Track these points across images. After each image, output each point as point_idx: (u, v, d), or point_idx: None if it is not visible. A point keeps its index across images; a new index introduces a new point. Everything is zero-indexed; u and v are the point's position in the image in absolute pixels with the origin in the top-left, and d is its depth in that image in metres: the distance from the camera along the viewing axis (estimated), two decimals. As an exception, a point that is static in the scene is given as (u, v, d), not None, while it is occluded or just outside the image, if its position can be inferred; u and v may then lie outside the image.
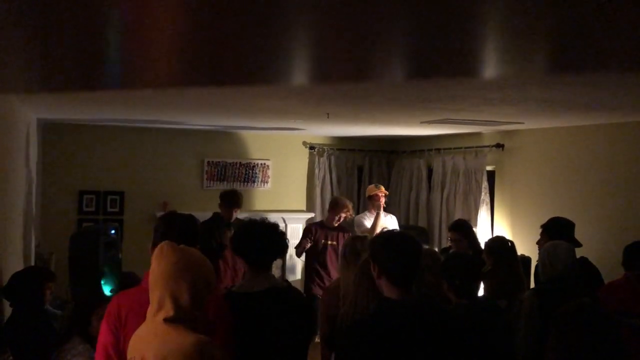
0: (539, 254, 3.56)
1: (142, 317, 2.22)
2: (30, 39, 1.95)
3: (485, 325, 2.92)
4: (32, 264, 5.14)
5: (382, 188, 6.11)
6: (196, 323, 2.03)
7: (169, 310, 2.00)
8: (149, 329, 2.05)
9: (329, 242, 5.57)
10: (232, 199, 5.39)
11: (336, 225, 5.62)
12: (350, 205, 5.69)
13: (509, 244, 4.06)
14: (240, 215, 6.60)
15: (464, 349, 2.24)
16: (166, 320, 1.99)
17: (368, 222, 5.97)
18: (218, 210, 5.56)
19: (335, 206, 5.66)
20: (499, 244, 4.02)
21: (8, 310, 3.67)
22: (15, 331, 3.47)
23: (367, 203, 6.25)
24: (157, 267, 2.05)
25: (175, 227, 2.41)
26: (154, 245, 2.37)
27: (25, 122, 5.16)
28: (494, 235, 4.78)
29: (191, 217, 2.56)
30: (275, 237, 2.66)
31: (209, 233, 5.13)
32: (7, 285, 3.57)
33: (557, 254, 3.41)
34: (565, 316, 2.36)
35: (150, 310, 2.05)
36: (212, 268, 2.15)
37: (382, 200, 5.98)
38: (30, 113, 5.39)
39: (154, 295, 2.05)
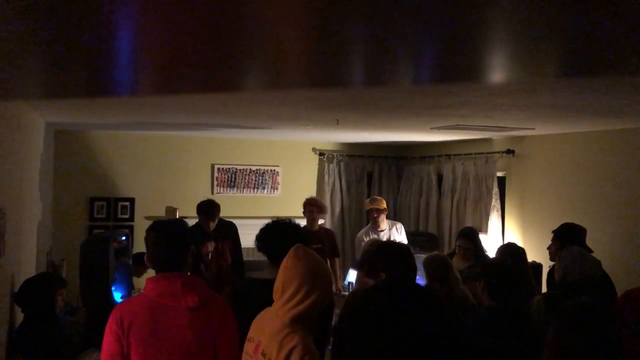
0: (560, 257, 3.51)
1: (145, 325, 2.24)
2: (41, 46, 1.98)
3: (510, 330, 2.91)
4: (44, 270, 5.17)
5: (379, 202, 5.79)
6: (313, 325, 2.19)
7: (298, 305, 2.16)
8: (273, 316, 2.21)
9: (313, 246, 5.56)
10: (207, 211, 5.26)
11: (317, 228, 5.61)
12: (318, 203, 5.69)
13: (520, 251, 4.03)
14: (250, 221, 6.63)
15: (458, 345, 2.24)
16: (292, 315, 2.18)
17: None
18: (225, 216, 5.59)
19: (305, 205, 5.67)
20: (510, 251, 4.01)
21: (20, 316, 3.70)
22: (27, 337, 3.49)
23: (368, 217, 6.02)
24: (296, 265, 2.22)
25: (164, 236, 2.41)
26: (149, 258, 2.39)
27: (37, 129, 5.21)
28: (506, 242, 4.76)
29: (179, 222, 2.57)
30: (294, 236, 2.74)
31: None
32: (19, 291, 3.60)
33: (586, 259, 3.39)
34: (562, 313, 2.36)
35: (280, 300, 2.21)
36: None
37: (381, 216, 5.71)
38: (42, 119, 5.43)
39: (289, 288, 2.19)
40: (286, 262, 2.25)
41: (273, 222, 3.03)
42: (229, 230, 5.46)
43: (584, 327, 2.27)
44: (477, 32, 1.80)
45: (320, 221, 7.57)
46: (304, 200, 5.90)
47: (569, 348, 2.24)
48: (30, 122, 4.72)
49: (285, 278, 2.21)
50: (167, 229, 2.43)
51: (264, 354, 2.15)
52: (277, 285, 2.23)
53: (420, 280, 3.77)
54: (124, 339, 2.25)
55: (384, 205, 5.82)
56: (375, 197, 6.13)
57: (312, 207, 5.65)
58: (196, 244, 4.85)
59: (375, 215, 5.74)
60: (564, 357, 2.24)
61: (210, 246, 4.99)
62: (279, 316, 2.17)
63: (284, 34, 1.78)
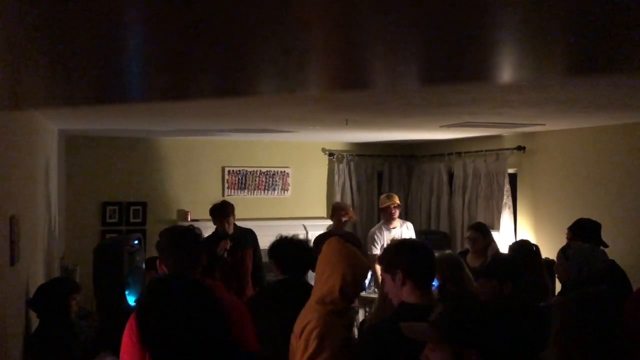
0: (568, 255, 3.47)
1: None
2: (53, 55, 1.99)
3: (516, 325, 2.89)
4: (58, 275, 5.21)
5: (395, 198, 5.93)
6: (338, 305, 2.40)
7: (321, 288, 2.41)
8: (306, 306, 2.47)
9: None
10: (220, 211, 5.21)
11: (342, 232, 5.54)
12: (348, 208, 5.72)
13: (534, 248, 4.00)
14: (261, 223, 6.62)
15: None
16: (316, 297, 2.42)
17: (378, 242, 5.85)
18: (236, 218, 5.57)
19: (334, 212, 5.70)
20: (522, 248, 3.98)
21: (35, 322, 3.73)
22: (42, 342, 3.52)
23: (381, 214, 6.12)
24: (323, 254, 2.50)
25: (180, 240, 2.43)
26: (164, 263, 2.41)
27: (49, 135, 5.25)
28: (518, 239, 4.74)
29: (191, 230, 2.58)
30: (302, 253, 2.86)
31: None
32: (34, 297, 3.63)
33: (595, 257, 3.36)
34: (567, 304, 2.34)
35: (316, 287, 2.49)
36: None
37: (396, 213, 5.85)
38: (53, 126, 5.47)
39: (317, 274, 2.49)
40: (321, 252, 2.54)
41: (289, 239, 3.22)
42: (249, 238, 5.37)
43: (590, 315, 2.26)
44: (485, 30, 1.80)
45: (330, 222, 7.58)
46: (317, 200, 5.95)
47: (574, 337, 2.23)
48: (42, 130, 4.76)
49: (317, 265, 2.51)
50: (176, 234, 2.45)
51: (294, 332, 2.41)
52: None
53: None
54: (142, 346, 2.25)
55: (398, 202, 5.96)
56: (390, 193, 6.22)
57: (341, 211, 5.65)
58: (210, 246, 4.87)
59: (392, 212, 5.84)
60: (570, 346, 2.23)
61: (225, 244, 4.97)
62: (312, 298, 2.44)
63: (296, 37, 1.78)
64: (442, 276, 3.62)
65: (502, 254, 4.44)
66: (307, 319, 2.39)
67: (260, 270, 5.39)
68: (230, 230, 5.20)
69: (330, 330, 2.32)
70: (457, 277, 3.45)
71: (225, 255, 5.02)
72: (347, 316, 2.46)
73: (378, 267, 3.75)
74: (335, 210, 5.77)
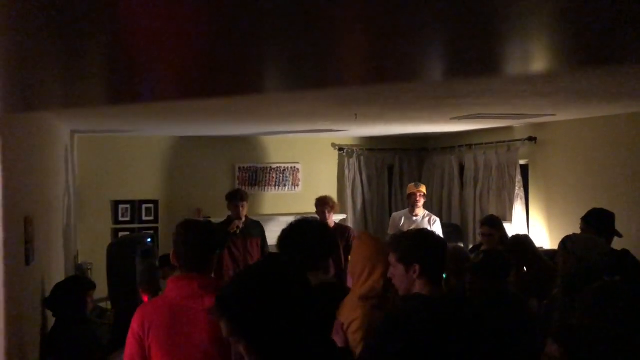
0: (566, 248, 3.44)
1: (164, 326, 2.27)
2: (65, 55, 2.01)
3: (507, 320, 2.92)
4: (72, 274, 5.26)
5: (422, 188, 6.15)
6: (382, 300, 2.47)
7: (363, 285, 2.46)
8: (350, 296, 2.52)
9: None
10: (235, 196, 5.41)
11: (332, 225, 5.60)
12: (330, 202, 5.70)
13: (526, 240, 4.02)
14: (272, 218, 6.65)
15: (488, 344, 2.28)
16: (359, 293, 2.47)
17: (398, 227, 5.98)
18: (248, 214, 5.64)
19: (318, 205, 5.67)
20: (516, 242, 4.02)
21: (51, 321, 3.77)
22: (60, 340, 3.56)
23: (407, 201, 6.35)
24: (360, 250, 2.54)
25: (194, 235, 2.43)
26: (175, 256, 2.42)
27: (62, 136, 5.30)
28: (512, 235, 4.74)
29: (209, 224, 2.58)
30: (323, 237, 2.71)
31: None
32: (50, 296, 3.67)
33: (596, 248, 3.34)
34: (587, 296, 2.34)
35: (353, 282, 2.53)
36: None
37: (420, 201, 6.04)
38: (66, 127, 5.52)
39: (356, 271, 2.52)
40: (353, 248, 2.59)
41: (301, 220, 2.85)
42: (257, 228, 5.54)
43: (611, 307, 2.25)
44: (496, 21, 1.79)
45: (342, 216, 7.61)
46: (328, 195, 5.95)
47: (596, 329, 2.22)
48: (55, 131, 4.80)
49: (353, 262, 2.56)
50: (195, 229, 2.45)
51: (342, 325, 2.48)
52: (350, 269, 2.61)
53: None
54: (145, 341, 2.27)
55: (424, 191, 6.15)
56: (419, 182, 6.52)
57: (323, 206, 5.66)
58: (224, 227, 5.17)
59: (417, 199, 6.02)
60: (592, 339, 2.22)
61: (238, 223, 5.26)
62: (353, 295, 2.49)
63: (304, 34, 1.79)
64: (448, 268, 3.63)
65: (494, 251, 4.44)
66: (352, 317, 2.40)
67: None
68: (243, 216, 5.37)
69: (374, 325, 2.36)
70: (460, 270, 3.46)
71: (238, 232, 5.25)
72: (389, 304, 2.48)
73: None
74: (317, 206, 5.71)
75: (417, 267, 2.28)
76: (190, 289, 2.33)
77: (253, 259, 5.36)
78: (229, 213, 5.44)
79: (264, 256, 5.49)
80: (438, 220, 6.21)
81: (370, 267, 2.47)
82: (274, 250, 6.01)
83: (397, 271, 2.35)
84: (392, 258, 2.37)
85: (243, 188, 7.47)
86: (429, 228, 5.91)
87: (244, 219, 5.36)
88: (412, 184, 6.40)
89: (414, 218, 6.06)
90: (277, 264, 1.51)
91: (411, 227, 5.73)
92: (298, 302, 1.43)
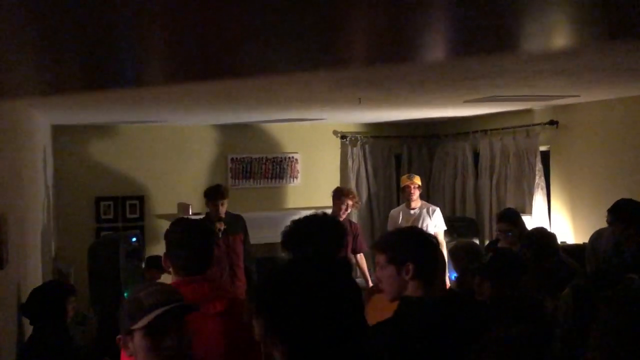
0: (597, 242, 3.46)
1: None
2: (40, 40, 2.00)
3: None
4: (51, 278, 5.27)
5: (416, 179, 6.21)
6: None
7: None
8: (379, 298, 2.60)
9: None
10: (215, 193, 5.43)
11: (343, 217, 5.63)
12: (355, 193, 5.77)
13: (549, 235, 4.02)
14: (269, 214, 6.66)
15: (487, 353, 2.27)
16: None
17: (397, 220, 6.10)
18: (243, 210, 5.66)
19: (340, 196, 5.70)
20: (538, 236, 4.02)
21: (29, 329, 3.78)
22: (37, 350, 3.56)
23: (401, 194, 6.42)
24: None
25: (195, 235, 2.44)
26: (170, 258, 2.42)
27: (38, 128, 5.29)
28: (532, 228, 4.73)
29: (205, 223, 2.59)
30: (332, 232, 2.68)
31: None
32: (27, 302, 3.67)
33: (599, 242, 3.35)
34: (611, 300, 2.32)
35: None
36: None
37: (415, 193, 6.11)
38: (42, 118, 5.51)
39: None
40: None
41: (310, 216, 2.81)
42: (239, 223, 5.58)
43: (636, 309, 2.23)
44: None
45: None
46: (329, 188, 5.98)
47: (622, 337, 2.21)
48: (32, 123, 4.79)
49: None
50: (194, 228, 2.46)
51: None
52: None
53: (451, 272, 3.76)
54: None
55: (419, 182, 6.18)
56: (412, 174, 6.55)
57: (344, 198, 5.68)
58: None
59: (412, 192, 6.09)
60: (618, 348, 2.21)
61: (220, 226, 5.23)
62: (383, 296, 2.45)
63: (301, 5, 1.78)
64: (460, 267, 3.62)
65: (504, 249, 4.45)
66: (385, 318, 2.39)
67: (249, 257, 5.60)
68: (223, 214, 5.40)
69: None
70: (474, 266, 3.46)
71: (221, 235, 5.24)
72: None
73: None
74: (343, 196, 5.74)
75: (411, 267, 2.27)
76: (201, 292, 2.34)
77: (238, 257, 5.40)
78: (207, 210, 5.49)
79: (248, 252, 5.53)
80: (438, 209, 6.30)
81: None
82: (261, 247, 6.07)
83: (385, 273, 2.33)
84: (380, 259, 2.36)
85: (236, 181, 7.51)
86: (429, 220, 6.09)
87: (224, 216, 5.40)
88: (405, 175, 6.49)
89: (412, 212, 6.14)
90: (320, 261, 1.52)
91: (410, 222, 5.78)
92: (340, 300, 1.43)
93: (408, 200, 6.17)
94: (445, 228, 6.27)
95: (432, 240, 2.40)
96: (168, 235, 2.48)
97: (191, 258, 2.40)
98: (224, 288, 2.49)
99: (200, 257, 2.42)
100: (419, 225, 5.84)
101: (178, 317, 1.90)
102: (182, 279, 2.40)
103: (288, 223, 2.82)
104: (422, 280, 2.28)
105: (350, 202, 5.68)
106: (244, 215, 5.75)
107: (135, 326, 1.86)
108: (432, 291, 2.30)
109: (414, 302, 2.27)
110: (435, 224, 6.12)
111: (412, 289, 2.28)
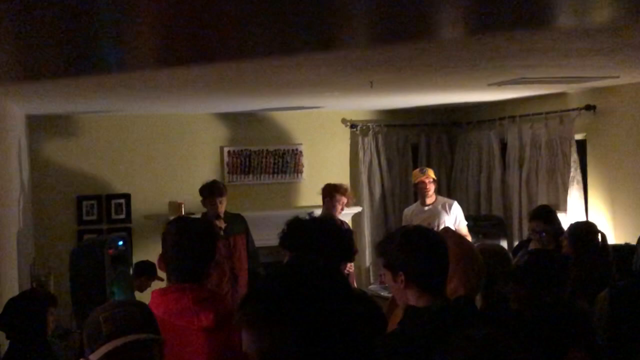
0: None
1: None
2: (12, 21, 2.01)
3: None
4: (28, 286, 5.29)
5: (430, 172, 6.30)
6: None
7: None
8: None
9: None
10: (211, 189, 5.46)
11: (338, 215, 5.66)
12: (345, 191, 5.80)
13: (597, 232, 4.01)
14: (270, 214, 6.67)
15: None
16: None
17: (411, 219, 6.14)
18: (242, 209, 5.68)
19: (332, 193, 5.76)
20: (582, 232, 4.01)
21: (5, 343, 3.80)
22: (15, 368, 3.58)
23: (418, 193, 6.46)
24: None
25: (189, 237, 2.44)
26: (165, 260, 2.42)
27: (15, 121, 5.31)
28: (577, 221, 4.71)
29: (207, 223, 2.59)
30: (338, 239, 2.69)
31: None
32: (3, 313, 3.69)
33: None
34: (619, 293, 2.34)
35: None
36: None
37: (430, 188, 6.20)
38: (19, 110, 5.53)
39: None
40: None
41: (318, 218, 2.98)
42: (239, 223, 5.60)
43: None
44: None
45: (357, 209, 7.62)
46: (327, 186, 6.09)
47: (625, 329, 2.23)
48: (6, 114, 4.80)
49: None
50: (191, 229, 2.46)
51: None
52: None
53: None
54: None
55: (433, 176, 6.28)
56: (424, 167, 6.61)
57: (335, 195, 5.75)
58: None
59: (426, 187, 6.18)
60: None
61: (220, 224, 5.25)
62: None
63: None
64: (487, 273, 3.60)
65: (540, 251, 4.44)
66: None
67: (256, 260, 5.64)
68: (222, 212, 5.43)
69: None
70: (505, 273, 3.45)
71: (222, 233, 5.26)
72: None
73: None
74: (335, 192, 5.82)
75: (402, 276, 2.28)
76: (182, 303, 2.33)
77: (240, 260, 5.42)
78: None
79: (252, 253, 5.56)
80: (455, 202, 6.40)
81: (450, 272, 2.37)
82: (264, 249, 6.08)
83: (388, 278, 2.37)
84: (381, 263, 2.39)
85: (233, 177, 7.52)
86: (447, 216, 6.18)
87: (223, 216, 5.42)
88: (417, 170, 6.53)
89: (426, 209, 6.23)
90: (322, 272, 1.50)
91: (425, 221, 5.78)
92: (342, 310, 1.41)
93: (423, 197, 6.24)
94: (466, 223, 6.35)
95: (433, 240, 2.35)
96: (163, 235, 2.49)
97: (182, 263, 2.40)
98: (217, 300, 2.45)
99: (197, 261, 2.41)
100: (435, 224, 5.85)
101: (144, 348, 1.86)
102: (170, 287, 2.41)
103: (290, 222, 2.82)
104: (421, 288, 2.27)
105: (344, 200, 5.70)
106: (243, 214, 5.76)
107: (92, 356, 1.83)
108: (437, 299, 2.28)
109: (414, 313, 2.27)
110: (453, 219, 6.15)
111: (412, 299, 2.29)
